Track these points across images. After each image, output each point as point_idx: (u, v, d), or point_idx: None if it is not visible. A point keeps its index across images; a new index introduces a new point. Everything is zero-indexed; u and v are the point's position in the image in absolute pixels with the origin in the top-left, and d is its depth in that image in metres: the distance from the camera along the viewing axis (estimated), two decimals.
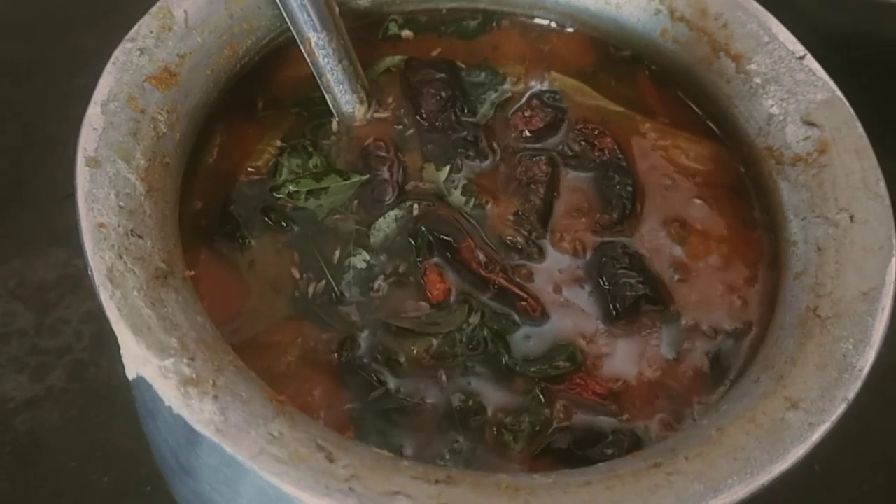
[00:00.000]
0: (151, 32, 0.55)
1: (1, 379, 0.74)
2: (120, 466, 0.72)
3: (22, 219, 0.84)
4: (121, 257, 0.46)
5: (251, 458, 0.41)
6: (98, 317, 0.80)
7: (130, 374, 0.44)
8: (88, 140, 0.50)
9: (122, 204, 0.48)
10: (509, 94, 0.65)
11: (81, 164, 0.49)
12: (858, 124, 0.57)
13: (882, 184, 0.54)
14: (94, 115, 0.51)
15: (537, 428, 0.51)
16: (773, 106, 0.60)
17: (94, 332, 0.78)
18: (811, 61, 0.60)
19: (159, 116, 0.53)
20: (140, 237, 0.48)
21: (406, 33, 0.69)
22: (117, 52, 0.54)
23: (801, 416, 0.45)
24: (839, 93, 0.58)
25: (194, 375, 0.43)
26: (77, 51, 0.93)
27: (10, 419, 0.73)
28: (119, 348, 0.44)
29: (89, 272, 0.46)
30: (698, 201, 0.61)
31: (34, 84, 0.93)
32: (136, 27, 0.55)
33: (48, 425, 0.73)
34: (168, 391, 0.43)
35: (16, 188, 0.86)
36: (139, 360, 0.43)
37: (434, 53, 0.67)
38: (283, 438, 0.42)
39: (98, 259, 0.46)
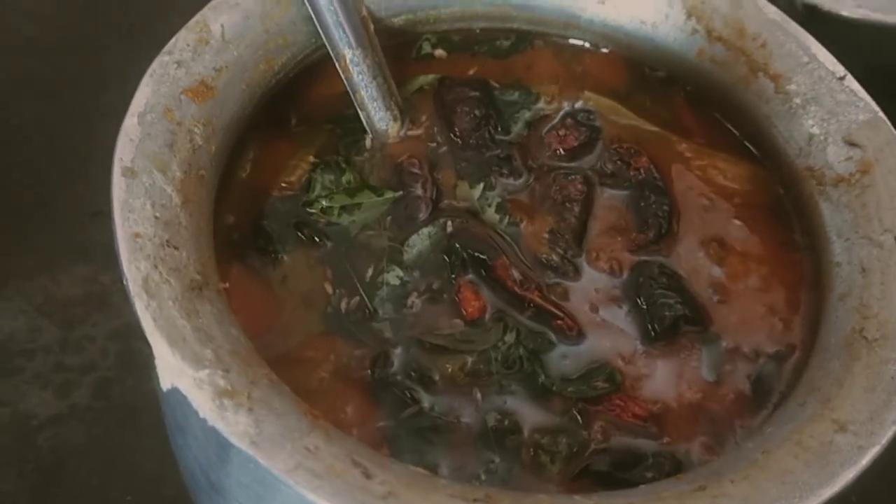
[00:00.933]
0: (188, 45, 0.55)
1: (25, 395, 0.74)
2: (144, 486, 0.71)
3: (48, 235, 0.84)
4: (156, 267, 0.46)
5: (287, 472, 0.40)
6: (124, 334, 0.80)
7: (165, 385, 0.43)
8: (125, 150, 0.50)
9: (157, 214, 0.48)
10: (543, 113, 0.65)
11: (118, 174, 0.49)
12: None
13: None
14: (130, 125, 0.51)
15: (575, 449, 0.50)
16: (813, 126, 0.59)
17: (120, 350, 0.77)
18: (852, 82, 0.59)
19: (195, 129, 0.53)
20: (175, 248, 0.47)
21: (439, 52, 0.68)
22: (154, 65, 0.54)
23: (850, 438, 0.44)
24: (881, 113, 0.57)
25: (229, 387, 0.42)
26: (103, 69, 0.94)
27: (33, 436, 0.72)
28: (152, 360, 0.44)
29: (124, 282, 0.45)
30: (737, 222, 0.60)
31: (61, 101, 0.93)
32: (173, 40, 0.55)
33: (72, 443, 0.72)
34: (203, 403, 0.42)
35: (42, 205, 0.86)
36: (174, 371, 0.42)
37: (470, 72, 0.67)
38: (318, 453, 0.41)
39: (134, 269, 0.45)
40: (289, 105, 0.63)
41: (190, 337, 0.44)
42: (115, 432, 0.73)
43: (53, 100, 0.94)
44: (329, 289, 0.55)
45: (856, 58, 0.80)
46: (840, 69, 0.59)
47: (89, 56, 0.97)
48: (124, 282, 0.45)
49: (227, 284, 0.51)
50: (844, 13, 0.79)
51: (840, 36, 0.79)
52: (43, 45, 0.98)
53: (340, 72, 0.61)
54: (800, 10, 0.79)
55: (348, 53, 0.60)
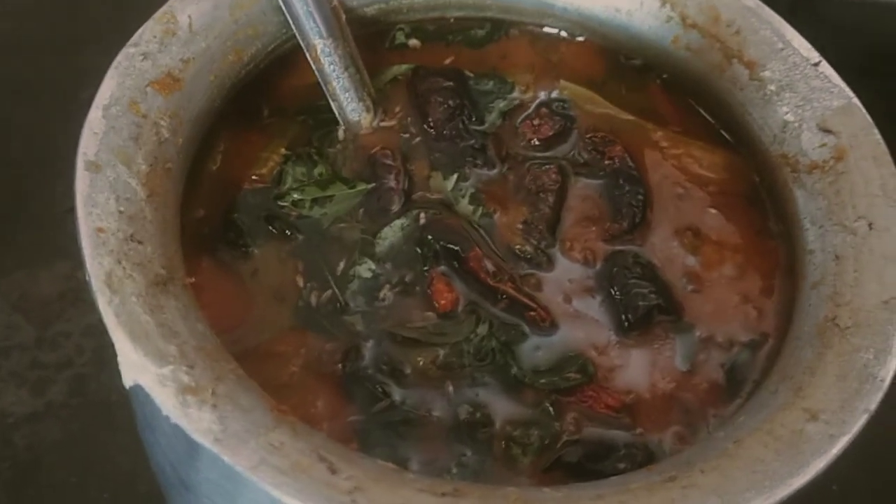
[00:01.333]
0: (155, 37, 0.54)
1: (1, 393, 0.73)
2: (120, 483, 0.71)
3: (25, 232, 0.84)
4: (119, 263, 0.45)
5: (250, 468, 0.40)
6: (99, 330, 0.78)
7: (127, 382, 0.42)
8: (89, 144, 0.49)
9: (121, 209, 0.47)
10: (517, 102, 0.64)
11: (81, 169, 0.48)
12: (876, 131, 0.55)
13: None
14: (94, 119, 0.50)
15: (546, 441, 0.49)
16: (787, 113, 0.58)
17: (96, 346, 0.77)
18: (826, 68, 0.59)
19: (161, 121, 0.52)
20: (140, 243, 0.47)
21: (413, 42, 0.68)
22: (119, 57, 0.53)
23: (821, 427, 0.44)
24: (856, 99, 0.57)
25: (193, 384, 0.42)
26: (80, 67, 0.92)
27: (9, 434, 0.72)
28: (116, 356, 0.43)
29: (87, 278, 0.45)
30: (712, 210, 0.60)
31: (38, 100, 0.93)
32: (139, 32, 0.54)
33: (48, 441, 0.72)
34: (166, 400, 0.41)
35: (20, 202, 0.85)
36: (137, 367, 0.42)
37: (446, 62, 0.66)
38: (283, 448, 0.41)
39: (96, 264, 0.45)
40: (260, 96, 0.62)
41: (153, 333, 0.43)
42: (91, 429, 0.73)
43: (30, 97, 0.94)
44: (300, 282, 0.55)
45: (853, 39, 0.80)
46: (815, 55, 0.59)
47: (66, 53, 0.96)
48: (87, 278, 0.45)
49: (194, 279, 0.50)
50: None
51: (837, 16, 0.79)
52: (20, 43, 0.97)
53: (311, 62, 0.60)
54: None
55: (319, 44, 0.60)
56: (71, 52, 0.95)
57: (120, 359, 0.43)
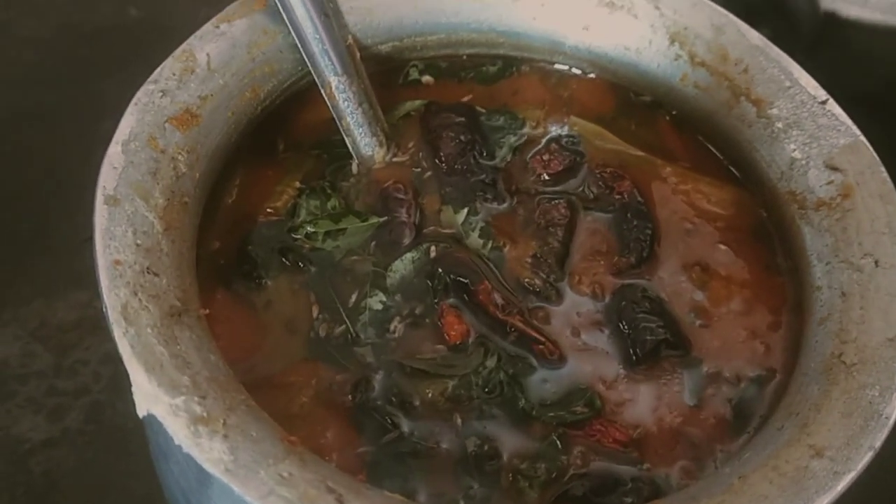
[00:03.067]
0: (174, 74, 0.56)
1: (18, 420, 0.74)
2: None
3: (44, 261, 0.85)
4: (136, 294, 0.46)
5: (260, 498, 0.41)
6: (116, 358, 0.79)
7: (141, 411, 0.43)
8: (108, 179, 0.50)
9: (139, 242, 0.48)
10: (528, 137, 0.65)
11: (100, 203, 0.49)
12: (882, 169, 0.56)
13: None
14: (114, 154, 0.51)
15: (553, 475, 0.50)
16: (795, 150, 0.59)
17: (112, 374, 0.78)
18: (833, 106, 0.59)
19: (179, 156, 0.54)
20: (156, 275, 0.48)
21: (426, 78, 0.69)
22: (139, 94, 0.55)
23: (826, 464, 0.44)
24: (862, 137, 0.58)
25: (205, 414, 0.43)
26: (101, 97, 0.95)
27: (25, 460, 0.73)
28: (131, 386, 0.44)
29: (104, 309, 0.46)
30: (720, 246, 0.60)
31: (59, 129, 0.94)
32: (158, 69, 0.56)
33: (63, 467, 0.73)
34: (178, 430, 0.42)
35: (39, 231, 0.87)
36: (150, 397, 0.43)
37: (465, 99, 0.67)
38: (292, 479, 0.42)
39: (113, 296, 0.46)
40: (276, 131, 0.64)
41: (167, 363, 0.44)
42: (107, 456, 0.73)
43: (52, 127, 0.95)
44: (312, 314, 0.56)
45: (878, 69, 0.81)
46: (822, 93, 0.60)
47: (88, 83, 0.98)
48: (104, 309, 0.46)
49: (208, 311, 0.51)
50: (866, 18, 0.79)
51: (860, 43, 0.80)
52: (42, 73, 1.00)
53: (326, 98, 0.61)
54: (821, 17, 0.79)
55: (334, 80, 0.61)
56: (91, 83, 0.97)
57: (134, 389, 0.43)
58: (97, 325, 0.81)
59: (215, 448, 0.42)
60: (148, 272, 0.48)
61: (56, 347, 0.79)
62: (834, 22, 0.79)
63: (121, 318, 0.45)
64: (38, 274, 0.84)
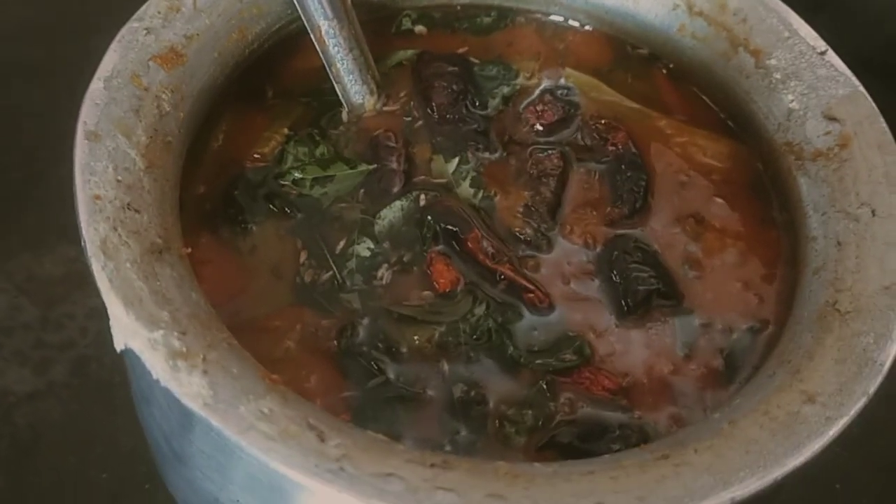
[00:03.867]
0: (159, 13, 0.55)
1: (3, 372, 0.73)
2: (119, 463, 0.70)
3: (33, 215, 0.84)
4: (115, 230, 0.45)
5: (239, 433, 0.40)
6: (104, 313, 0.80)
7: (118, 345, 0.42)
8: (89, 114, 0.49)
9: (119, 178, 0.47)
10: (521, 88, 0.64)
11: (81, 138, 0.48)
12: (881, 119, 0.55)
13: None
14: (96, 90, 0.50)
15: (540, 421, 0.49)
16: (792, 101, 0.58)
17: (99, 329, 0.77)
18: (833, 57, 0.58)
19: (163, 95, 0.52)
20: (137, 211, 0.47)
21: (419, 29, 0.68)
22: (123, 31, 0.53)
23: (818, 409, 0.43)
24: (861, 88, 0.57)
25: (184, 349, 0.42)
26: (94, 52, 0.93)
27: (10, 413, 0.72)
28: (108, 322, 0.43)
29: (83, 244, 0.45)
30: (716, 199, 0.59)
31: (49, 84, 0.93)
32: (143, 7, 0.55)
33: (48, 420, 0.72)
34: (156, 364, 0.41)
35: (28, 185, 0.86)
36: (128, 331, 0.42)
37: (459, 51, 0.66)
38: (273, 415, 0.41)
39: (91, 230, 0.45)
40: (265, 78, 0.63)
41: (147, 298, 0.43)
42: (92, 410, 0.72)
43: (43, 82, 0.94)
44: (298, 259, 0.55)
45: (876, 31, 0.79)
46: (821, 44, 0.59)
47: (79, 39, 0.96)
48: (82, 243, 0.45)
49: (191, 250, 0.50)
50: None
51: (861, 3, 0.78)
52: (33, 28, 0.98)
53: (315, 43, 0.60)
54: None
55: (323, 25, 0.60)
56: (83, 38, 0.95)
57: (112, 322, 0.43)
58: (84, 280, 0.79)
59: (194, 383, 0.41)
60: (128, 208, 0.47)
61: (43, 301, 0.78)
62: None
63: (99, 253, 0.44)
64: (26, 228, 0.83)
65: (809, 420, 0.43)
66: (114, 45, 0.52)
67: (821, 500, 0.73)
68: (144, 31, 0.54)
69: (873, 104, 0.56)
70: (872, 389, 0.44)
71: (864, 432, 0.70)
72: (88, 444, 0.71)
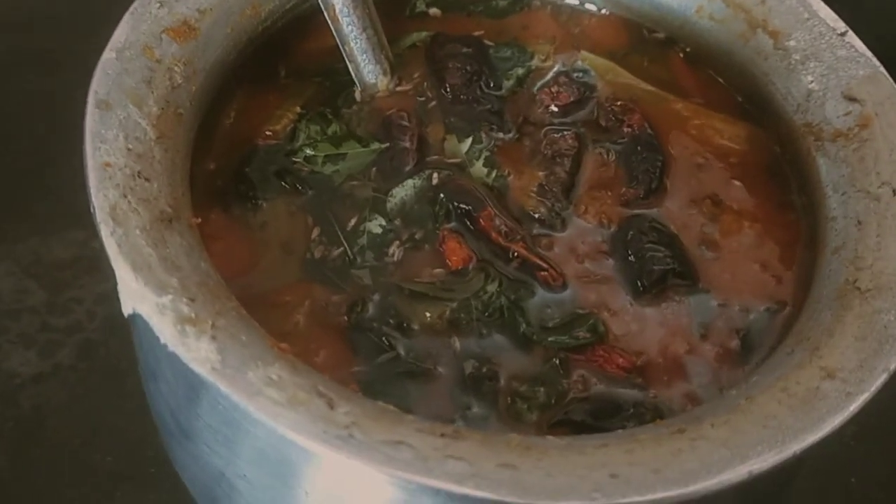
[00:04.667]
0: None
1: (9, 354, 0.73)
2: (124, 448, 0.70)
3: (43, 200, 0.83)
4: (125, 196, 0.45)
5: (247, 398, 0.39)
6: (112, 298, 0.78)
7: (126, 310, 0.42)
8: (100, 84, 0.49)
9: (130, 146, 0.47)
10: (536, 70, 0.63)
11: (92, 106, 0.48)
12: None
13: None
14: (108, 60, 0.50)
15: (553, 399, 0.48)
16: (812, 82, 0.57)
17: (107, 314, 0.76)
18: (853, 38, 0.57)
19: (175, 68, 0.52)
20: (147, 180, 0.46)
21: (434, 11, 0.67)
22: (136, 4, 0.53)
23: (837, 385, 0.42)
24: (882, 69, 0.56)
25: (193, 315, 0.41)
26: (104, 41, 0.93)
27: (15, 395, 0.71)
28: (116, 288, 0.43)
29: (92, 210, 0.44)
30: (732, 181, 0.58)
31: (63, 73, 0.92)
32: None
33: (53, 403, 0.71)
34: (164, 328, 0.40)
35: (38, 171, 0.85)
36: (136, 295, 0.41)
37: (476, 34, 0.65)
38: (281, 382, 0.40)
39: (101, 196, 0.44)
40: (278, 57, 0.62)
41: (155, 265, 0.43)
42: (98, 393, 0.72)
43: (53, 71, 0.94)
44: (309, 236, 0.54)
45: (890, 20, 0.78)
46: (841, 25, 0.58)
47: (91, 28, 0.96)
48: (91, 210, 0.44)
49: (200, 220, 0.49)
50: None
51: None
52: (45, 17, 0.98)
53: (329, 21, 0.60)
54: None
55: (337, 3, 0.59)
56: (94, 28, 0.95)
57: (120, 287, 0.42)
58: (93, 265, 0.79)
59: (202, 348, 0.40)
60: (139, 176, 0.46)
61: (50, 285, 0.77)
62: None
63: (108, 219, 0.43)
64: (35, 212, 0.82)
65: (829, 396, 0.42)
66: (126, 17, 0.52)
67: (836, 493, 0.72)
68: (157, 4, 0.53)
69: (894, 84, 0.55)
70: (893, 366, 0.43)
71: (880, 424, 0.70)
72: (93, 429, 0.70)
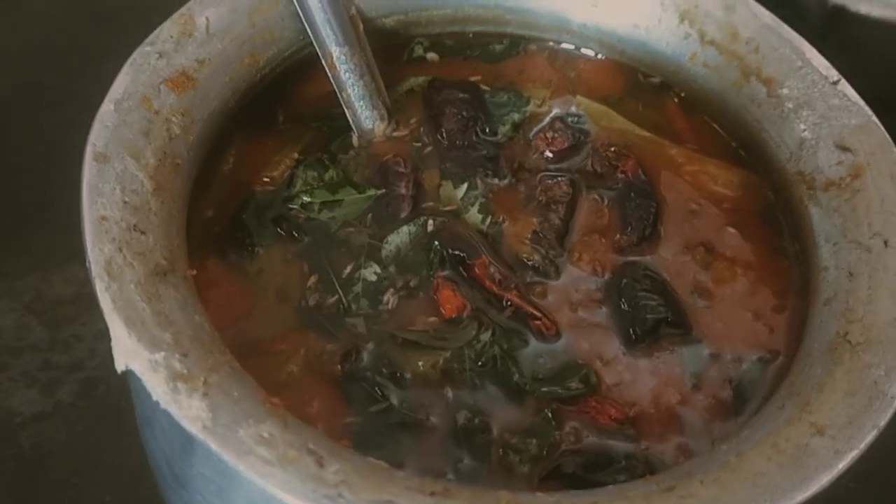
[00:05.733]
0: (171, 37, 0.55)
1: (10, 392, 0.73)
2: (123, 486, 0.70)
3: (44, 236, 0.84)
4: (120, 250, 0.45)
5: (238, 457, 0.39)
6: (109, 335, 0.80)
7: (119, 366, 0.42)
8: (98, 136, 0.50)
9: (126, 199, 0.48)
10: (532, 115, 0.64)
11: (89, 159, 0.48)
12: (894, 149, 0.54)
13: None
14: (106, 112, 0.51)
15: (545, 450, 0.48)
16: (805, 131, 0.58)
17: (108, 351, 0.75)
18: (846, 86, 0.58)
19: (173, 118, 0.53)
20: (143, 233, 0.47)
21: (431, 56, 0.68)
22: (135, 55, 0.54)
23: (827, 442, 0.42)
24: (874, 118, 0.56)
25: (185, 371, 0.42)
26: (108, 77, 0.94)
27: (16, 433, 0.71)
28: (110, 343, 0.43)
29: (87, 265, 0.45)
30: (726, 228, 0.59)
31: (64, 107, 0.93)
32: (156, 31, 0.55)
33: (54, 441, 0.71)
34: (156, 385, 0.41)
35: (40, 206, 0.86)
36: (129, 352, 0.42)
37: (472, 79, 0.66)
38: (272, 440, 0.40)
39: (97, 251, 0.45)
40: (277, 103, 0.63)
41: (149, 320, 0.43)
42: (98, 431, 0.72)
43: (56, 105, 0.95)
44: (304, 283, 0.54)
45: (886, 65, 0.78)
46: (833, 73, 0.58)
47: (95, 64, 0.97)
48: (87, 265, 0.45)
49: (199, 275, 0.50)
50: (875, 14, 0.77)
51: (870, 39, 0.78)
52: (49, 51, 0.99)
53: (327, 69, 0.61)
54: (829, 10, 0.77)
55: (335, 51, 0.60)
56: (99, 63, 0.96)
57: (113, 343, 0.42)
58: (94, 302, 0.78)
59: (194, 405, 0.41)
60: (135, 230, 0.47)
61: (51, 321, 0.78)
62: (842, 16, 0.77)
63: (104, 273, 0.44)
64: (36, 248, 0.83)
65: (818, 453, 0.42)
66: (125, 69, 0.53)
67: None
68: (156, 55, 0.54)
69: (886, 134, 0.55)
70: (883, 422, 0.43)
71: (878, 467, 0.70)
72: (93, 466, 0.71)
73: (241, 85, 0.58)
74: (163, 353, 0.42)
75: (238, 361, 0.46)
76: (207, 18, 0.57)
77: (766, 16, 0.61)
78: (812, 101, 0.58)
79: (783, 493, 0.41)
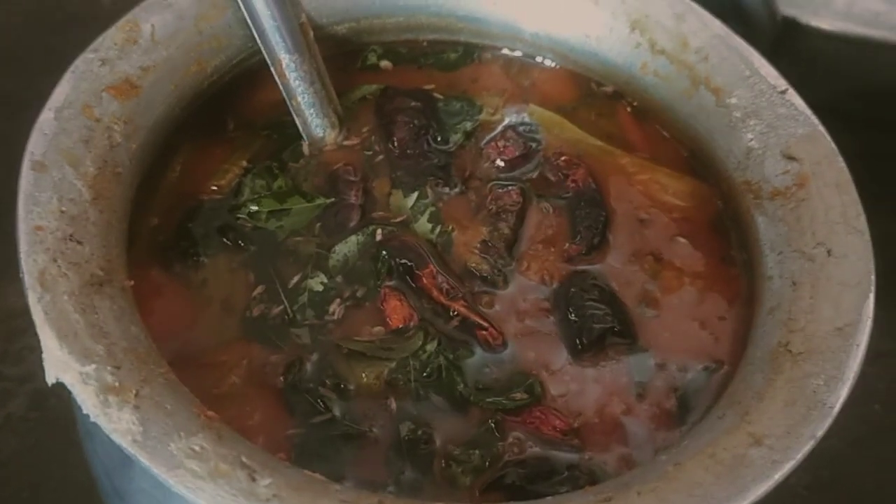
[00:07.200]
0: (115, 44, 0.55)
1: None
2: (73, 499, 0.69)
3: None
4: (55, 261, 0.45)
5: (168, 471, 0.39)
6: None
7: (50, 379, 0.41)
8: (37, 145, 0.49)
9: (63, 209, 0.47)
10: (484, 124, 0.64)
11: (27, 168, 0.48)
12: (840, 158, 0.55)
13: (862, 218, 0.52)
14: (45, 120, 0.50)
15: (487, 462, 0.48)
16: (752, 140, 0.58)
17: None
18: (793, 96, 0.58)
19: (115, 126, 0.52)
20: (79, 243, 0.46)
21: (385, 64, 0.68)
22: (77, 62, 0.53)
23: (764, 452, 0.42)
24: (821, 127, 0.56)
25: (117, 384, 0.41)
26: None
27: None
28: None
29: (21, 275, 0.44)
30: (675, 237, 0.59)
31: (23, 117, 0.92)
32: (100, 38, 0.55)
33: (4, 453, 0.70)
34: (86, 398, 0.40)
35: None
36: (60, 364, 0.41)
37: (427, 88, 0.66)
38: (204, 453, 0.40)
39: (31, 261, 0.44)
40: (226, 110, 0.62)
41: (82, 332, 0.42)
42: (48, 444, 0.71)
43: (15, 114, 0.93)
44: (250, 294, 0.54)
45: (836, 78, 0.79)
46: (782, 83, 0.58)
47: (56, 73, 0.96)
48: (21, 276, 0.44)
49: (141, 285, 0.49)
50: (825, 27, 0.77)
51: (820, 52, 0.78)
52: (9, 60, 0.98)
53: (276, 77, 0.60)
54: (780, 22, 0.77)
55: (284, 58, 0.59)
56: (60, 72, 0.95)
57: (45, 355, 0.42)
58: None
59: (124, 419, 0.40)
60: (71, 239, 0.46)
61: (2, 333, 0.77)
62: (793, 28, 0.77)
63: (36, 284, 0.43)
64: None
65: (755, 463, 0.42)
66: (67, 76, 0.52)
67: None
68: (99, 62, 0.53)
69: (832, 143, 0.55)
70: (821, 433, 0.43)
71: (831, 475, 0.70)
72: (42, 479, 0.70)
73: (188, 93, 0.58)
74: (94, 366, 0.41)
75: (179, 373, 0.45)
76: (153, 25, 0.56)
77: (716, 25, 0.61)
78: (760, 110, 0.58)
79: (719, 503, 0.40)
